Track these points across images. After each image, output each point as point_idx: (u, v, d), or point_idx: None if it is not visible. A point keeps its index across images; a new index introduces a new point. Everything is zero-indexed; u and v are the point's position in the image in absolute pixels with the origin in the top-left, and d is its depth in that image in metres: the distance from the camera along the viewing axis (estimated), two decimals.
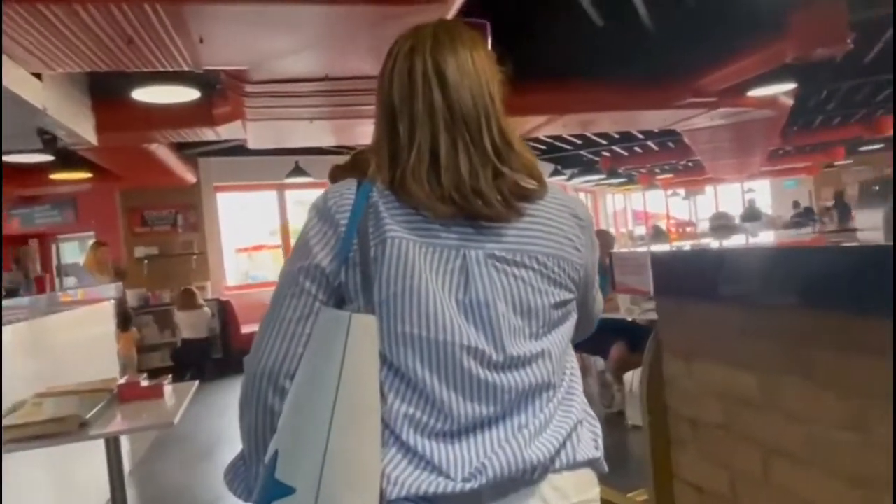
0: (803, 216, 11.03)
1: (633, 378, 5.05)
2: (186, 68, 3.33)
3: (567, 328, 1.00)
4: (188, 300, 7.60)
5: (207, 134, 5.40)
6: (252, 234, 9.98)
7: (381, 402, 0.89)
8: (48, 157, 4.86)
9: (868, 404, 1.14)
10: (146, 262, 8.24)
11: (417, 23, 1.02)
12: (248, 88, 3.97)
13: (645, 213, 20.62)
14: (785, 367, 1.30)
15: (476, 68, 0.94)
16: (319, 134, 5.53)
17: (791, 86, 5.75)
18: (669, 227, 17.02)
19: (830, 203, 12.34)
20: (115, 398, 2.52)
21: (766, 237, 2.96)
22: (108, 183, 7.22)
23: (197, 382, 2.82)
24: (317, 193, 1.01)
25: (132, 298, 7.61)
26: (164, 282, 8.18)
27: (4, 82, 2.88)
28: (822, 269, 1.20)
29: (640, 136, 10.42)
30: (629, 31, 4.96)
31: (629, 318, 4.67)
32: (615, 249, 5.09)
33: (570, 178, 12.45)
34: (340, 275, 0.91)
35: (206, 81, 4.35)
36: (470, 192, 0.90)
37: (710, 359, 1.50)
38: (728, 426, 1.45)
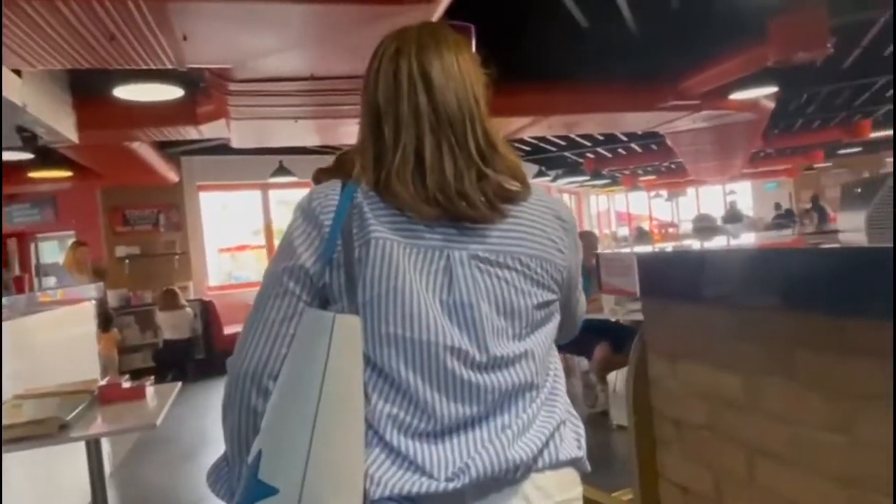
0: (784, 218, 11.18)
1: (616, 378, 5.08)
2: (170, 66, 3.30)
3: (550, 329, 1.00)
4: (170, 300, 7.52)
5: (190, 133, 5.35)
6: (235, 234, 9.90)
7: (365, 403, 0.89)
8: (27, 155, 4.78)
9: (852, 405, 1.15)
10: (127, 261, 8.15)
11: (404, 23, 1.02)
12: (232, 87, 3.94)
13: (628, 215, 20.77)
14: (769, 367, 1.31)
15: (461, 71, 0.95)
16: (304, 133, 5.51)
17: (772, 89, 5.82)
18: (652, 229, 17.17)
19: (808, 205, 12.53)
20: (95, 400, 2.49)
21: (749, 239, 2.99)
22: (88, 181, 7.13)
23: (179, 384, 2.80)
24: (301, 193, 1.01)
25: (113, 299, 7.51)
26: (145, 282, 8.09)
27: None
28: (806, 270, 1.21)
29: (624, 139, 10.49)
30: (614, 34, 4.99)
31: (613, 319, 4.70)
32: (599, 250, 5.13)
33: (554, 180, 12.50)
34: (324, 275, 0.91)
35: (189, 79, 4.30)
36: (454, 194, 0.90)
37: (695, 359, 1.51)
38: (713, 426, 1.47)
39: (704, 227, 6.01)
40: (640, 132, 8.73)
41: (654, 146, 11.39)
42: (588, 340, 4.71)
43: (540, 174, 12.31)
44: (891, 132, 11.24)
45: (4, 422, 2.03)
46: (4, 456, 2.04)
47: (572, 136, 9.46)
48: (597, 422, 4.60)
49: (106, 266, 7.72)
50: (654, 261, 1.57)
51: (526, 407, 0.93)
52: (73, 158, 5.90)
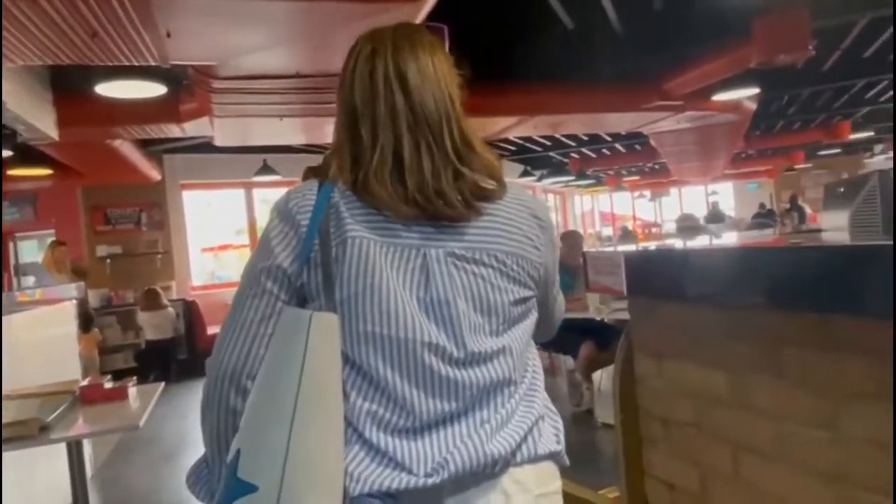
0: (765, 217, 11.32)
1: (601, 377, 5.11)
2: (153, 63, 3.26)
3: (528, 325, 1.01)
4: (152, 300, 7.43)
5: (173, 130, 5.30)
6: (218, 234, 9.82)
7: (344, 400, 0.90)
8: (7, 153, 4.70)
9: (837, 401, 1.17)
10: (109, 261, 8.04)
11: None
12: (216, 84, 3.90)
13: (612, 215, 20.90)
14: (755, 365, 1.32)
15: (436, 72, 0.96)
16: (289, 132, 5.47)
17: (754, 90, 5.89)
18: (635, 228, 17.29)
19: (787, 206, 12.71)
20: (77, 400, 2.46)
21: (733, 238, 3.02)
22: (69, 180, 7.03)
23: (163, 384, 2.77)
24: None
25: (94, 298, 7.41)
26: (127, 281, 7.99)
27: None
28: (791, 268, 1.22)
29: (608, 139, 10.55)
30: (599, 35, 5.02)
31: (598, 318, 4.72)
32: (584, 250, 5.16)
33: (539, 179, 12.56)
34: (302, 275, 0.91)
35: (172, 76, 4.26)
36: (432, 194, 0.91)
37: (681, 358, 1.52)
38: (699, 424, 1.48)
39: (688, 226, 6.07)
40: (624, 133, 8.79)
41: (637, 147, 11.47)
42: (573, 339, 4.73)
43: (525, 174, 12.36)
44: (870, 133, 11.43)
45: None
46: None
47: (557, 136, 9.51)
48: (582, 420, 4.62)
49: (86, 265, 7.62)
50: (640, 260, 1.58)
51: (504, 402, 0.94)
52: (54, 156, 5.82)
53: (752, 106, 6.92)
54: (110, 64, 3.25)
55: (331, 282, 0.90)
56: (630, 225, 17.29)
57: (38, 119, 4.12)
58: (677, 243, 2.64)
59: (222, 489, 0.87)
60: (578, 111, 6.11)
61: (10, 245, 8.56)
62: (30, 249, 8.67)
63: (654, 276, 1.52)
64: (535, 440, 0.95)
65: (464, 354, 0.91)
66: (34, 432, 2.03)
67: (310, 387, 0.85)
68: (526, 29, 4.88)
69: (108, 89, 4.11)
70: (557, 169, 12.19)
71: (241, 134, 5.65)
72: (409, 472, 0.87)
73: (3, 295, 4.58)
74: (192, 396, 5.93)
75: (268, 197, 9.25)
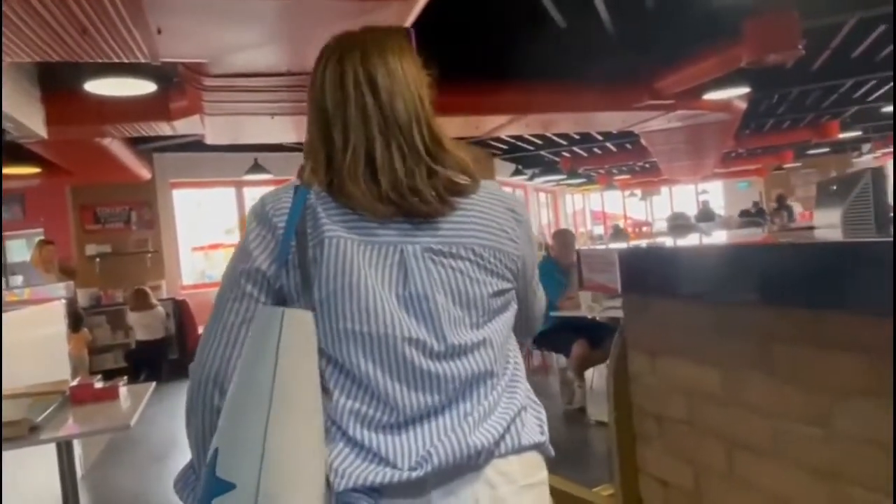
0: (755, 216, 11.39)
1: (593, 375, 5.12)
2: (143, 60, 3.23)
3: (507, 317, 1.02)
4: (141, 300, 7.38)
5: (163, 129, 5.26)
6: (208, 233, 9.77)
7: (327, 399, 0.91)
8: None
9: (830, 398, 1.17)
10: (98, 260, 7.98)
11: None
12: (207, 82, 3.87)
13: (603, 213, 20.96)
14: (748, 362, 1.33)
15: (405, 73, 0.97)
16: (280, 130, 5.44)
17: (745, 90, 5.91)
18: (626, 227, 17.35)
19: (775, 205, 12.78)
20: (67, 400, 2.44)
21: (728, 236, 3.03)
22: (58, 178, 6.96)
23: (154, 384, 2.75)
24: None
25: (83, 298, 7.35)
26: (117, 281, 7.93)
27: None
28: (784, 266, 1.23)
29: (599, 138, 10.58)
30: (591, 34, 5.03)
31: (590, 316, 4.73)
32: (576, 248, 5.17)
33: (531, 178, 12.57)
34: (281, 277, 0.93)
35: (162, 74, 4.23)
36: (407, 191, 0.92)
37: (675, 355, 1.53)
38: (692, 421, 1.48)
39: (679, 225, 6.09)
40: (615, 131, 8.81)
41: (628, 146, 11.51)
42: (565, 337, 4.74)
43: (517, 173, 12.37)
44: (858, 133, 11.53)
45: None
46: None
47: (549, 135, 9.52)
48: (574, 418, 4.63)
49: (74, 265, 7.56)
50: (635, 257, 1.58)
51: (487, 394, 0.95)
52: (42, 155, 5.76)
53: (743, 105, 6.96)
54: (100, 61, 3.22)
55: (309, 282, 0.91)
56: (621, 224, 17.34)
57: (27, 117, 4.08)
58: (668, 242, 2.65)
59: (202, 488, 0.87)
60: (570, 110, 6.12)
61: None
62: (18, 249, 8.58)
63: (648, 273, 1.53)
64: (518, 431, 0.95)
65: (444, 347, 0.92)
66: (24, 433, 2.01)
67: (284, 383, 0.85)
68: (518, 28, 4.88)
69: (98, 87, 4.07)
70: (549, 168, 12.22)
71: (231, 132, 5.61)
72: (394, 466, 0.87)
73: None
74: (183, 396, 5.84)
75: (258, 196, 9.19)
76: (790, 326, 1.24)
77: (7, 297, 3.81)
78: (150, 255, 8.25)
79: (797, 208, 11.73)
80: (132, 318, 7.42)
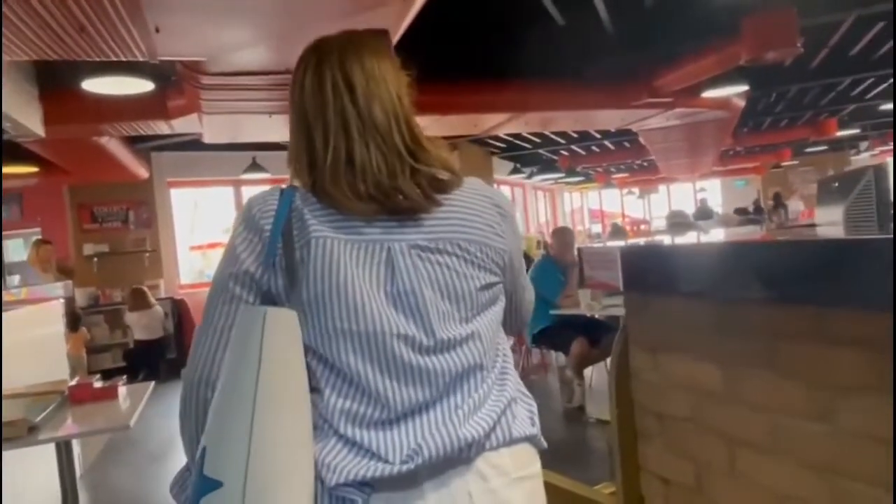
0: (753, 214, 11.40)
1: (592, 373, 5.13)
2: (141, 59, 3.22)
3: (496, 311, 1.03)
4: (139, 300, 7.37)
5: (161, 127, 5.25)
6: (206, 232, 9.75)
7: (318, 397, 0.92)
8: None
9: (833, 394, 1.17)
10: (96, 259, 7.97)
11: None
12: (205, 81, 3.87)
13: (601, 212, 20.97)
14: (750, 359, 1.33)
15: (382, 74, 0.99)
16: (278, 129, 5.43)
17: (743, 87, 5.92)
18: (624, 225, 17.36)
19: (771, 203, 12.81)
20: (66, 400, 2.43)
21: (727, 234, 3.03)
22: (55, 178, 6.94)
23: (152, 383, 2.75)
24: None
25: (81, 298, 7.34)
26: (115, 280, 7.92)
27: None
28: (786, 262, 1.22)
29: (598, 136, 10.59)
30: (590, 31, 5.02)
31: (589, 314, 4.73)
32: (575, 246, 5.16)
33: (529, 177, 12.56)
34: (269, 278, 0.94)
35: (160, 73, 4.22)
36: (390, 189, 0.94)
37: (677, 352, 1.53)
38: (694, 418, 1.48)
39: (678, 223, 6.10)
40: (613, 130, 8.81)
41: (626, 144, 11.52)
42: (565, 336, 4.74)
43: (515, 171, 12.37)
44: (856, 130, 11.54)
45: None
46: None
47: (547, 133, 9.52)
48: (573, 417, 4.63)
49: (72, 264, 7.55)
50: (636, 255, 1.58)
51: (477, 387, 0.95)
52: (39, 154, 5.75)
53: (741, 103, 6.96)
54: (98, 59, 3.20)
55: (295, 284, 0.92)
56: (620, 222, 17.34)
57: (25, 116, 4.06)
58: (666, 240, 2.65)
59: (191, 488, 0.87)
60: (569, 108, 6.12)
61: None
62: (16, 248, 8.57)
63: (650, 271, 1.52)
64: (509, 423, 0.96)
65: (433, 342, 0.93)
66: (23, 433, 2.01)
67: (269, 381, 0.86)
68: (517, 26, 4.88)
69: (96, 85, 4.07)
70: (547, 166, 12.21)
71: (229, 131, 5.60)
72: (385, 460, 0.88)
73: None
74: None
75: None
76: (792, 323, 1.24)
77: (5, 296, 3.79)
78: (147, 254, 8.24)
79: (798, 206, 11.73)
80: (131, 317, 7.41)
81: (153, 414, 4.95)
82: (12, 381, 2.63)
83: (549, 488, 1.06)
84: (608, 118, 7.00)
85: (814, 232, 1.66)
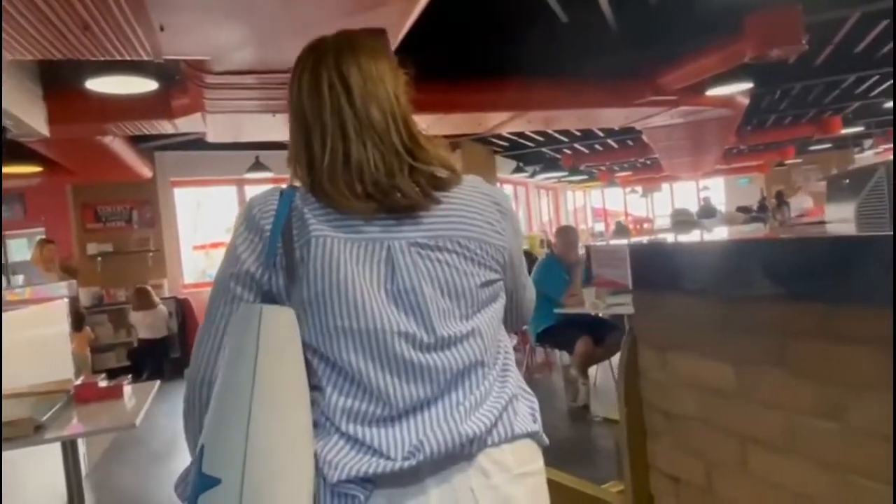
0: (757, 212, 11.38)
1: (597, 372, 5.12)
2: (146, 57, 3.21)
3: (497, 308, 1.03)
4: (143, 300, 7.38)
5: (165, 127, 5.24)
6: (209, 232, 9.75)
7: (320, 395, 0.93)
8: None
9: (844, 392, 1.16)
10: (100, 259, 7.98)
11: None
12: (209, 80, 3.86)
13: (604, 210, 20.95)
14: (761, 357, 1.32)
15: (380, 74, 0.99)
16: (282, 128, 5.42)
17: (748, 85, 5.90)
18: (627, 224, 17.33)
19: (774, 201, 12.78)
20: (71, 400, 2.43)
21: (731, 233, 3.02)
22: (59, 177, 6.95)
23: (158, 382, 2.74)
24: None
25: (85, 297, 7.35)
26: (119, 280, 7.93)
27: None
28: (797, 259, 1.22)
29: (601, 135, 10.57)
30: (593, 29, 5.01)
31: (594, 313, 4.72)
32: (580, 245, 5.15)
33: (532, 175, 12.55)
34: (270, 278, 0.95)
35: (164, 72, 4.21)
36: (388, 188, 0.94)
37: (685, 350, 1.52)
38: (704, 416, 1.47)
39: (682, 221, 6.08)
40: (617, 128, 8.79)
41: (630, 142, 11.50)
42: (569, 335, 4.73)
43: (518, 170, 12.35)
44: (861, 128, 11.51)
45: None
46: None
47: (550, 131, 9.50)
48: (578, 416, 4.62)
49: (75, 264, 7.55)
50: (645, 253, 1.57)
51: (479, 384, 0.95)
52: (43, 153, 5.75)
53: (745, 101, 6.94)
54: (102, 59, 3.20)
55: (294, 283, 0.93)
56: (623, 220, 17.32)
57: (29, 115, 4.06)
58: (669, 238, 2.64)
59: (190, 485, 0.88)
60: (572, 106, 6.10)
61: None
62: (19, 248, 8.58)
63: (659, 269, 1.51)
64: (510, 419, 0.96)
65: (434, 339, 0.93)
66: (29, 432, 2.00)
67: (265, 377, 0.87)
68: (520, 24, 4.87)
69: (100, 85, 4.06)
70: (550, 165, 12.20)
71: (233, 130, 5.60)
72: (387, 457, 0.89)
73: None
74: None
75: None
76: (803, 320, 1.23)
77: (8, 296, 3.79)
78: (151, 253, 8.25)
79: (807, 203, 11.69)
80: (135, 317, 7.42)
81: (157, 413, 4.95)
82: (18, 380, 2.63)
83: (557, 487, 1.05)
84: (612, 116, 6.98)
85: (822, 229, 1.65)
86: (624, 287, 1.44)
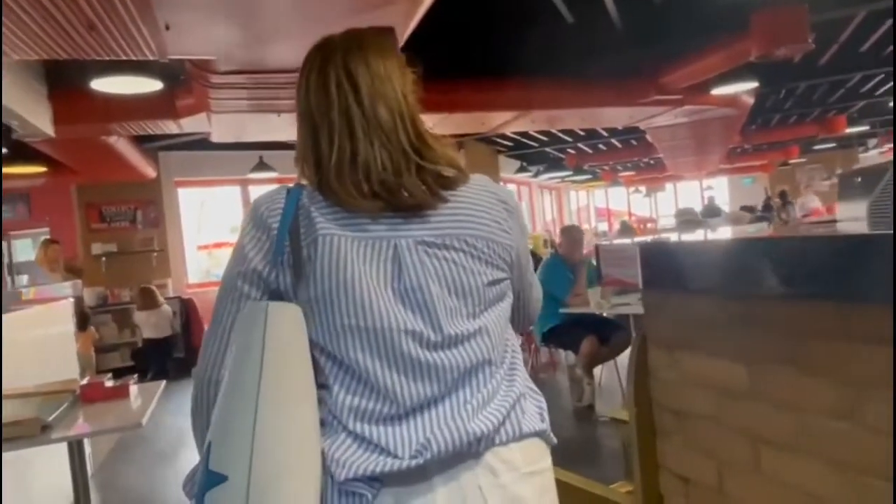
0: (763, 211, 11.36)
1: (602, 372, 5.11)
2: (151, 57, 3.22)
3: (504, 307, 1.03)
4: (148, 299, 7.39)
5: (170, 127, 5.25)
6: (213, 232, 9.77)
7: (327, 394, 0.93)
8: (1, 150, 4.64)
9: (858, 391, 1.15)
10: (104, 259, 8.00)
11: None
12: (214, 79, 3.86)
13: (607, 210, 20.92)
14: (773, 356, 1.31)
15: (388, 73, 0.99)
16: (286, 128, 5.42)
17: (753, 84, 5.88)
18: (632, 223, 17.31)
19: (778, 201, 12.76)
20: (77, 399, 2.43)
21: (736, 232, 3.01)
22: (63, 177, 6.97)
23: (164, 382, 2.74)
24: None
25: (90, 297, 7.37)
26: (123, 280, 7.94)
27: None
28: (811, 258, 1.21)
29: (604, 134, 10.55)
30: (598, 28, 5.00)
31: (598, 313, 4.71)
32: (585, 245, 5.14)
33: (535, 175, 12.54)
34: (277, 276, 0.95)
35: (169, 72, 4.22)
36: (395, 187, 0.94)
37: (696, 350, 1.51)
38: (715, 416, 1.46)
39: (687, 220, 6.07)
40: (621, 127, 8.78)
41: (633, 142, 11.48)
42: (574, 334, 4.72)
43: (521, 170, 12.34)
44: (866, 127, 11.47)
45: None
46: None
47: (553, 131, 9.49)
48: (583, 415, 4.61)
49: (80, 264, 7.57)
50: (656, 252, 1.56)
51: (486, 382, 0.95)
52: (47, 153, 5.76)
53: (750, 100, 6.91)
54: (107, 58, 3.20)
55: (302, 281, 0.93)
56: (627, 219, 17.29)
57: (34, 115, 4.07)
58: (673, 238, 2.63)
59: (197, 482, 0.88)
60: (576, 106, 6.09)
61: (4, 244, 8.49)
62: (24, 248, 8.60)
63: (670, 268, 1.50)
64: (518, 418, 0.96)
65: (441, 338, 0.93)
66: (36, 432, 2.00)
67: (272, 374, 0.87)
68: (525, 23, 4.86)
69: (105, 85, 4.07)
70: (554, 164, 12.18)
71: (237, 130, 5.61)
72: (394, 455, 0.88)
73: (3, 293, 4.53)
74: (190, 394, 5.89)
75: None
76: (816, 319, 1.22)
77: (21, 297, 3.79)
78: (155, 253, 8.27)
79: (813, 203, 11.66)
80: (140, 317, 7.44)
81: (162, 412, 4.96)
82: (23, 380, 2.63)
83: (565, 487, 1.05)
84: (616, 116, 6.96)
85: (831, 228, 1.64)
86: (634, 286, 1.43)
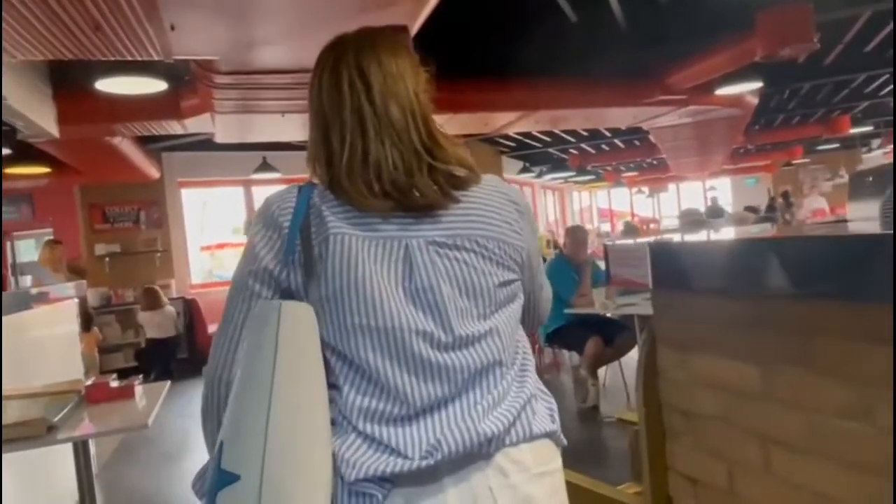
0: (766, 212, 11.33)
1: (606, 372, 5.09)
2: (156, 57, 3.22)
3: (515, 308, 1.02)
4: (152, 300, 7.40)
5: (174, 127, 5.26)
6: (216, 232, 9.78)
7: (337, 394, 0.93)
8: (5, 151, 4.64)
9: (870, 392, 1.14)
10: (107, 259, 8.01)
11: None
12: (219, 80, 3.87)
13: (610, 211, 20.91)
14: (784, 356, 1.30)
15: (400, 72, 0.99)
16: (290, 128, 5.43)
17: (757, 84, 5.87)
18: (634, 224, 17.28)
19: (782, 201, 12.74)
20: (82, 400, 2.42)
21: (741, 233, 3.00)
22: (67, 178, 6.98)
23: (169, 382, 2.75)
24: None
25: (93, 297, 7.38)
26: (126, 280, 7.95)
27: None
28: (822, 257, 1.20)
29: (607, 135, 10.54)
30: (602, 28, 4.99)
31: (603, 313, 4.70)
32: (590, 245, 5.13)
33: (539, 175, 12.53)
34: (288, 275, 0.95)
35: (173, 72, 4.22)
36: (406, 186, 0.94)
37: (706, 350, 1.50)
38: (725, 417, 1.45)
39: (692, 220, 6.05)
40: (624, 128, 8.76)
41: (636, 142, 11.47)
42: (579, 335, 4.71)
43: (524, 170, 12.33)
44: (869, 128, 11.44)
45: None
46: None
47: (556, 131, 9.49)
48: (587, 416, 4.60)
49: (83, 264, 7.58)
50: (665, 252, 1.55)
51: (497, 383, 0.95)
52: (51, 154, 5.76)
53: (754, 100, 6.90)
54: (112, 59, 3.21)
55: (312, 280, 0.92)
56: (631, 220, 17.27)
57: (39, 116, 4.07)
58: (676, 238, 2.62)
59: (209, 481, 0.88)
60: (581, 106, 6.09)
61: (8, 244, 8.51)
62: (27, 248, 8.62)
63: (680, 267, 1.50)
64: (528, 419, 0.96)
65: (452, 339, 0.93)
66: (41, 432, 2.00)
67: (285, 374, 0.86)
68: (529, 24, 4.85)
69: (110, 85, 4.07)
70: (557, 165, 12.17)
71: (241, 130, 5.61)
72: (405, 456, 0.88)
73: (14, 293, 4.53)
74: (194, 395, 5.89)
75: (267, 195, 9.19)
76: (827, 319, 1.21)
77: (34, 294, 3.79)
78: (159, 254, 8.27)
79: (818, 203, 11.63)
80: (144, 317, 7.45)
81: (167, 413, 4.96)
82: (28, 380, 2.63)
83: (573, 489, 1.04)
84: (620, 116, 6.96)
85: (837, 228, 1.63)
86: (643, 286, 1.42)
